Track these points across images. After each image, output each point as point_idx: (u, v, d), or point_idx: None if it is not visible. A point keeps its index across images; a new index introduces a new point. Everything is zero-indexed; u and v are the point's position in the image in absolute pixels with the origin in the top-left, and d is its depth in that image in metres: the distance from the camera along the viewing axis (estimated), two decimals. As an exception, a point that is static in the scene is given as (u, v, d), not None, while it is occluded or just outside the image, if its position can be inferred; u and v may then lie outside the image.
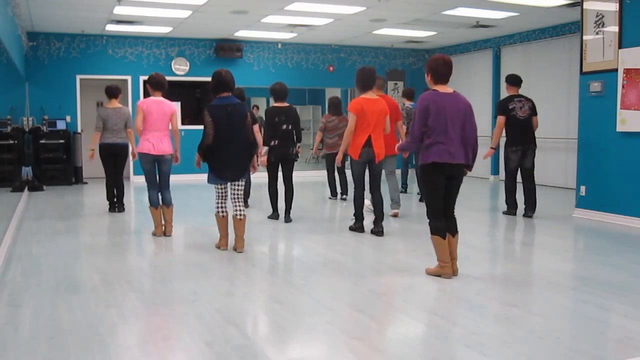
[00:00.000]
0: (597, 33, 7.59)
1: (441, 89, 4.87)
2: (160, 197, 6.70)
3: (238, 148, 5.69)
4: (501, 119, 7.72)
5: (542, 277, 5.00)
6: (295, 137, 7.51)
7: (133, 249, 6.39)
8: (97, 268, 5.29)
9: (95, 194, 10.51)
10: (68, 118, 12.38)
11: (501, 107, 7.77)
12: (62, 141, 11.98)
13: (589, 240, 7.08)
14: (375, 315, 4.05)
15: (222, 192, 5.86)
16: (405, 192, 10.38)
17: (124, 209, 8.53)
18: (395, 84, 14.88)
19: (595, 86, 7.62)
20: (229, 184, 5.83)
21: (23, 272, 5.12)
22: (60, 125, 12.12)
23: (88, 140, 12.20)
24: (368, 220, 6.93)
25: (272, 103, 7.74)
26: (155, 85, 6.66)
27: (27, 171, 11.08)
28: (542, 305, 4.21)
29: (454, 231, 4.93)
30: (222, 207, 5.88)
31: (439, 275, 4.89)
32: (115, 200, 8.47)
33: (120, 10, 10.08)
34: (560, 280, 4.95)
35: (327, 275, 5.09)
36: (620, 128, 7.32)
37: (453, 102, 4.81)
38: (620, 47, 7.27)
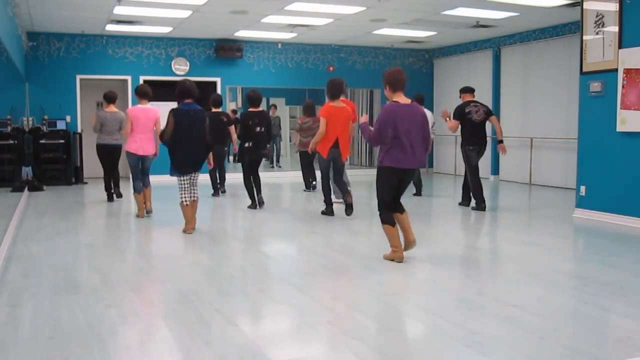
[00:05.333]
0: (597, 33, 7.58)
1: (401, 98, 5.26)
2: (141, 184, 7.93)
3: (197, 146, 6.60)
4: (455, 122, 8.44)
5: (542, 277, 5.00)
6: (267, 138, 8.57)
7: (133, 249, 6.40)
8: (97, 268, 5.29)
9: (95, 194, 10.51)
10: (68, 118, 12.37)
11: (458, 112, 8.48)
12: (62, 141, 11.97)
13: (589, 240, 7.09)
14: (375, 315, 4.05)
15: (185, 184, 6.65)
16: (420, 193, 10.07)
17: (121, 195, 9.73)
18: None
19: (595, 86, 7.62)
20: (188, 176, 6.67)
21: (23, 272, 5.11)
22: (60, 125, 12.11)
23: (88, 140, 12.28)
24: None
25: (248, 108, 8.57)
26: (141, 94, 7.87)
27: (27, 171, 11.08)
28: (542, 305, 4.21)
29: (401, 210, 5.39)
30: (185, 197, 6.66)
31: (392, 260, 5.30)
32: (112, 191, 9.56)
33: (120, 10, 10.07)
34: (560, 280, 4.95)
35: (327, 275, 5.09)
36: (620, 128, 7.31)
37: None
38: (620, 47, 7.27)
